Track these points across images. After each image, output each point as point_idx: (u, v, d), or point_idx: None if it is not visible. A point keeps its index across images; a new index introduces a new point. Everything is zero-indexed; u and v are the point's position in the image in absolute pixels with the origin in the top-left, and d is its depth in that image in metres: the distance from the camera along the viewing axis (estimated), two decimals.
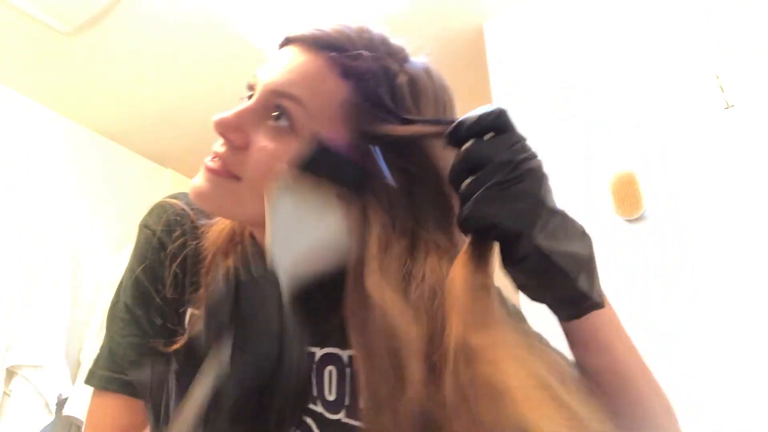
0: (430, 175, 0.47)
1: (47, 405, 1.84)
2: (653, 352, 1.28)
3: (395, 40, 0.53)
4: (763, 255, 1.23)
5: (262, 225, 0.49)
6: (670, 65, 1.53)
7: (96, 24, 1.94)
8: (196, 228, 0.56)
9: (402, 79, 0.49)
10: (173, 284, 0.54)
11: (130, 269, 0.56)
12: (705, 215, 1.32)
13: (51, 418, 1.85)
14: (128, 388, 0.52)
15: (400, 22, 1.98)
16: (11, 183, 2.12)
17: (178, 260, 0.54)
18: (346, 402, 0.46)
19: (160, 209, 0.58)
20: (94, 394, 0.55)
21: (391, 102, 0.48)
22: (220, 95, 2.04)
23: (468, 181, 0.42)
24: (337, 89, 0.48)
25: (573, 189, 1.55)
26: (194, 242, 0.55)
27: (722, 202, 1.31)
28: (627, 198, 1.38)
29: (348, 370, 0.47)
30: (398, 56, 0.51)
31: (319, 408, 0.50)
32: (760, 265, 1.22)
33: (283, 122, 0.47)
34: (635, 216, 1.39)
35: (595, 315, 0.46)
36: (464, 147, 0.42)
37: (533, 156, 0.44)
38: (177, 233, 0.55)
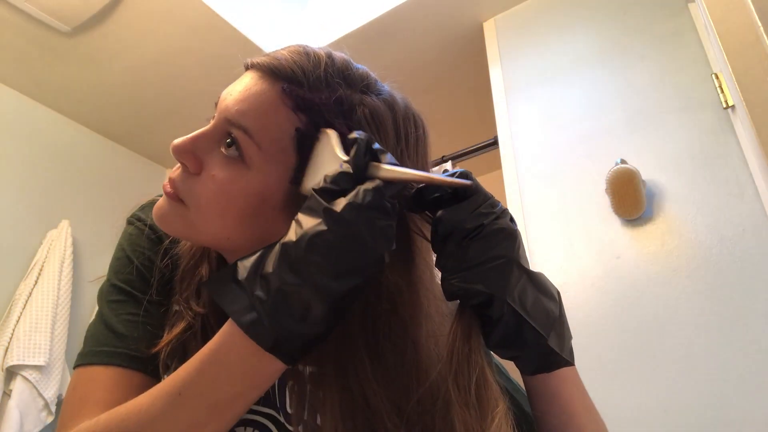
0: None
1: (47, 405, 1.84)
2: (654, 353, 1.29)
3: (357, 67, 0.51)
4: (763, 254, 1.23)
5: (218, 248, 0.52)
6: (670, 65, 1.53)
7: (96, 24, 1.94)
8: None
9: (359, 112, 0.47)
10: (162, 279, 0.55)
11: (124, 256, 0.56)
12: (705, 215, 1.32)
13: (51, 418, 1.85)
14: (135, 362, 0.50)
15: (400, 22, 1.98)
16: (11, 182, 2.12)
17: (169, 255, 0.56)
18: (305, 417, 0.47)
19: (149, 205, 0.59)
20: (86, 370, 0.50)
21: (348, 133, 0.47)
22: (218, 98, 2.03)
23: (441, 251, 0.46)
24: (289, 122, 0.46)
25: (573, 189, 1.55)
26: (177, 245, 0.57)
27: (722, 201, 1.31)
28: (627, 198, 1.38)
29: (308, 386, 0.48)
30: (358, 86, 0.49)
31: (281, 418, 0.51)
32: (759, 264, 1.22)
33: (233, 152, 0.47)
34: (635, 216, 1.39)
35: (560, 372, 0.48)
36: (436, 216, 0.46)
37: (501, 215, 0.46)
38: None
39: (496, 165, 1.82)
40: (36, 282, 1.98)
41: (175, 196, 0.49)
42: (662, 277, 1.32)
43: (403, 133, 0.50)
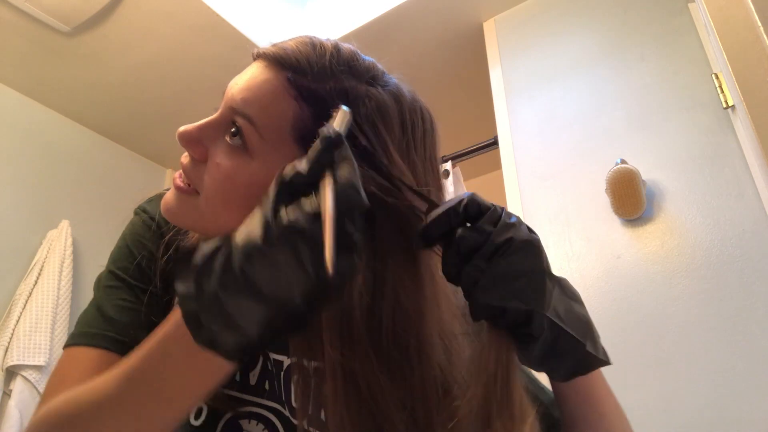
0: (391, 214, 0.46)
1: None
2: (654, 353, 1.29)
3: (364, 59, 0.50)
4: (763, 254, 1.23)
5: None
6: (670, 65, 1.53)
7: (96, 24, 1.94)
8: None
9: (364, 103, 0.47)
10: (163, 271, 0.55)
11: (125, 245, 0.57)
12: (705, 215, 1.32)
13: None
14: (118, 346, 0.51)
15: (400, 22, 1.98)
16: (11, 182, 2.12)
17: (171, 250, 0.56)
18: (309, 411, 0.47)
19: (158, 197, 0.59)
20: (71, 350, 0.51)
21: (351, 126, 0.45)
22: (221, 95, 2.03)
23: (467, 269, 0.43)
24: (291, 111, 0.46)
25: (573, 189, 1.55)
26: (185, 235, 0.57)
27: (722, 201, 1.31)
28: (627, 198, 1.38)
29: (313, 381, 0.47)
30: (364, 77, 0.48)
31: (286, 412, 0.51)
32: (759, 264, 1.22)
33: (237, 141, 0.46)
34: (635, 216, 1.39)
35: (594, 374, 0.49)
36: (457, 235, 0.43)
37: (521, 227, 0.44)
38: (172, 224, 0.57)
39: (496, 165, 1.82)
40: (36, 282, 1.98)
41: (188, 188, 0.49)
42: (662, 277, 1.32)
43: (409, 125, 0.49)
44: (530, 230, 0.45)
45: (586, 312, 0.46)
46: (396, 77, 0.52)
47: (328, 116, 0.44)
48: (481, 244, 0.43)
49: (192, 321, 0.36)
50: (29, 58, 2.07)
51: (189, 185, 0.49)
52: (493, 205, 0.45)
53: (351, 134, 0.45)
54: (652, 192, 1.41)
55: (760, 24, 0.94)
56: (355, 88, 0.47)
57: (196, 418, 0.52)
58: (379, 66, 0.51)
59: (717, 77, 1.39)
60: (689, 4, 1.55)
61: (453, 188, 1.88)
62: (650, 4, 1.64)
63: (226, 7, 1.95)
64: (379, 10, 1.95)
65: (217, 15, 1.92)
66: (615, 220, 1.44)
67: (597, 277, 1.41)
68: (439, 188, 0.52)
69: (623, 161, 1.42)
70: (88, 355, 0.50)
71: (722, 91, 1.37)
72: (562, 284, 0.45)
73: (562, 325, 0.42)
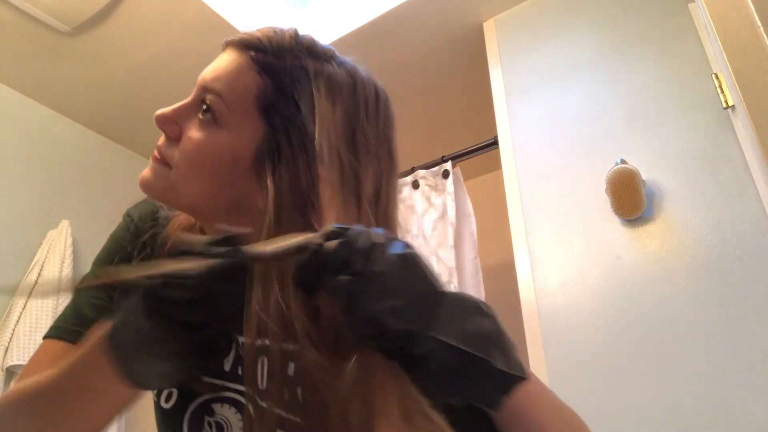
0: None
1: None
2: (654, 353, 1.29)
3: (324, 45, 0.57)
4: (763, 254, 1.23)
5: (198, 213, 0.56)
6: (670, 65, 1.53)
7: (96, 24, 1.94)
8: (168, 219, 0.63)
9: (318, 76, 0.53)
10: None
11: (107, 248, 0.63)
12: (705, 215, 1.32)
13: None
14: (83, 339, 0.56)
15: (400, 22, 1.98)
16: (11, 182, 2.12)
17: (147, 249, 0.60)
18: (273, 392, 0.48)
19: (143, 202, 0.65)
20: (46, 341, 0.58)
21: (306, 95, 0.52)
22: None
23: (338, 283, 0.38)
24: (254, 84, 0.52)
25: (573, 189, 1.55)
26: (162, 231, 0.61)
27: (722, 201, 1.31)
28: (627, 198, 1.38)
29: (276, 362, 0.49)
30: (321, 57, 0.55)
31: (255, 395, 0.53)
32: (759, 263, 1.22)
33: (208, 116, 0.53)
34: (635, 216, 1.39)
35: (523, 393, 0.44)
36: (329, 249, 0.39)
37: (394, 242, 0.40)
38: (148, 224, 0.62)
39: (496, 165, 1.82)
40: (36, 282, 1.98)
41: (161, 159, 0.55)
42: (662, 277, 1.32)
43: (362, 98, 0.55)
44: (407, 245, 0.41)
45: (493, 324, 0.40)
46: (351, 59, 0.58)
47: (285, 88, 0.51)
48: (348, 258, 0.38)
49: (112, 354, 0.41)
50: (29, 58, 2.07)
51: (162, 158, 0.55)
52: (352, 226, 0.42)
53: (295, 102, 0.52)
54: (652, 192, 1.41)
55: (760, 24, 0.94)
56: (312, 65, 0.53)
57: (167, 401, 0.56)
58: (338, 52, 0.57)
59: (717, 77, 1.39)
60: (689, 4, 1.55)
61: (453, 188, 1.88)
62: (650, 4, 1.64)
63: (226, 7, 1.95)
64: (379, 10, 1.95)
65: (217, 15, 1.92)
66: (615, 220, 1.44)
67: (597, 277, 1.41)
68: (392, 162, 0.56)
69: (623, 161, 1.43)
70: (57, 346, 0.56)
71: (722, 91, 1.37)
72: (453, 298, 0.40)
73: (454, 344, 0.37)
